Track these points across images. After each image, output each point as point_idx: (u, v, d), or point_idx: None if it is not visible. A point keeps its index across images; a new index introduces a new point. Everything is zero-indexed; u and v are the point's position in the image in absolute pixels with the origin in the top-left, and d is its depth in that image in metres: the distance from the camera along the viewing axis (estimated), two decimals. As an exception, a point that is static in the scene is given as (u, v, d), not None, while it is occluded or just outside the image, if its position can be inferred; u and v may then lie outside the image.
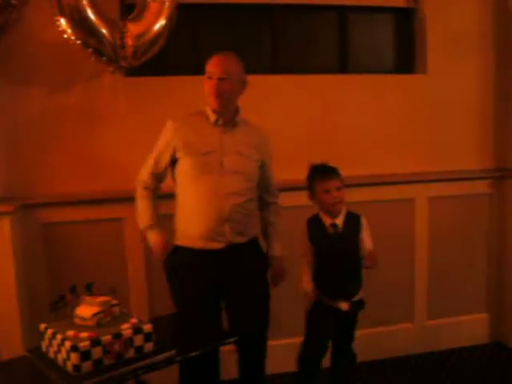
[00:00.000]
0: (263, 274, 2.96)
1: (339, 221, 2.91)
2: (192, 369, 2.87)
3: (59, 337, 2.19)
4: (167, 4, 3.08)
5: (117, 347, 2.21)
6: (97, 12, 2.98)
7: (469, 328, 4.09)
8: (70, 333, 2.20)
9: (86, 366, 2.13)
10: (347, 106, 3.75)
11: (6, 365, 2.47)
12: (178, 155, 2.80)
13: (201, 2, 3.60)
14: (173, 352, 2.33)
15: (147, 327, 2.31)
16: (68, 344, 2.13)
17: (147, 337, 2.30)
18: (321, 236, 2.91)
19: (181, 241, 2.85)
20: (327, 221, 2.91)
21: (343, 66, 3.94)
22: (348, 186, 3.59)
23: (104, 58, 3.09)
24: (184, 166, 2.80)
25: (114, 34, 3.01)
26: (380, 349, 3.89)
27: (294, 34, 3.84)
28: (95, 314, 2.29)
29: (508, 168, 4.02)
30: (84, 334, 2.18)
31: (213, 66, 2.76)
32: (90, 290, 2.44)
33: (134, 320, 2.33)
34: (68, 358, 2.13)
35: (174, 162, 2.84)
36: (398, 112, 3.86)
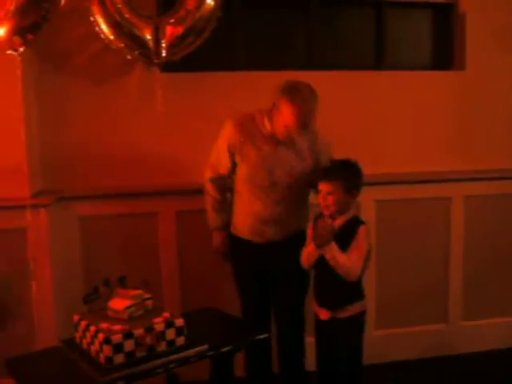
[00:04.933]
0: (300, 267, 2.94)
1: (338, 223, 2.71)
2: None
3: (93, 329, 2.23)
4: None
5: (149, 340, 2.23)
6: (129, 9, 3.00)
7: (505, 330, 4.00)
8: (104, 325, 2.23)
9: (118, 358, 2.16)
10: (383, 103, 3.70)
11: (41, 355, 2.52)
12: (237, 159, 2.92)
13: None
14: (204, 347, 2.35)
15: (179, 321, 2.32)
16: (101, 336, 2.16)
17: (179, 331, 2.31)
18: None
19: (234, 231, 3.07)
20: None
21: (380, 63, 3.88)
22: (383, 183, 3.60)
23: (136, 53, 3.11)
24: (240, 170, 2.93)
25: (148, 30, 3.02)
26: (413, 349, 3.83)
27: (330, 30, 3.80)
28: (128, 307, 2.32)
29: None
30: (117, 327, 2.21)
31: (291, 117, 2.71)
32: (123, 283, 2.47)
33: (166, 314, 2.35)
34: (101, 349, 2.16)
35: (234, 162, 2.95)
36: (435, 109, 3.79)
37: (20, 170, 3.11)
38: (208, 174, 3.06)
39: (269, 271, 3.01)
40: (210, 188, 3.07)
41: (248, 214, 2.95)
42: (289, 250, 2.90)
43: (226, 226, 3.09)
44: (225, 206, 3.09)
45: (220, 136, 2.96)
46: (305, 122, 2.73)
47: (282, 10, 3.75)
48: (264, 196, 2.88)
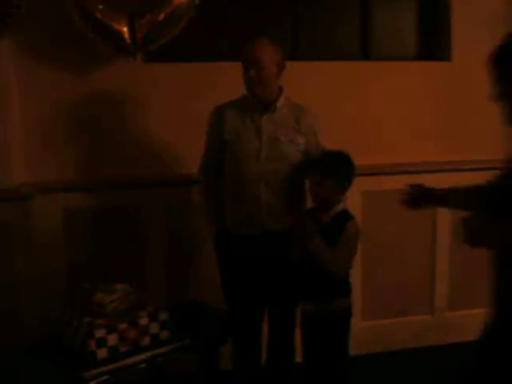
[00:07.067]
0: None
1: (327, 217, 2.70)
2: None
3: (75, 323, 2.21)
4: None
5: (132, 335, 2.22)
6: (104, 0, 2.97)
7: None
8: (86, 319, 2.22)
9: (102, 352, 2.15)
10: (369, 94, 3.68)
11: (24, 350, 2.50)
12: (224, 140, 2.84)
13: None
14: (188, 340, 2.34)
15: (163, 315, 2.31)
16: (84, 330, 2.14)
17: (163, 325, 2.31)
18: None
19: (225, 222, 2.92)
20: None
21: (365, 53, 3.88)
22: (370, 174, 3.59)
23: (112, 45, 3.07)
24: (227, 151, 2.84)
25: (123, 21, 2.99)
26: (399, 339, 3.84)
27: (316, 20, 3.78)
28: (111, 302, 2.30)
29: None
30: (100, 321, 2.19)
31: (244, 55, 2.77)
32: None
33: (150, 308, 2.34)
34: (84, 344, 2.15)
35: (223, 147, 2.87)
36: (421, 100, 3.79)
37: (2, 161, 3.08)
38: (203, 163, 3.01)
39: (263, 268, 2.86)
40: (206, 173, 3.02)
41: (237, 200, 2.84)
42: (283, 244, 2.81)
43: None
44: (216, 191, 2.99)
45: (208, 124, 2.94)
46: (252, 58, 2.73)
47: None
48: (250, 176, 2.77)
